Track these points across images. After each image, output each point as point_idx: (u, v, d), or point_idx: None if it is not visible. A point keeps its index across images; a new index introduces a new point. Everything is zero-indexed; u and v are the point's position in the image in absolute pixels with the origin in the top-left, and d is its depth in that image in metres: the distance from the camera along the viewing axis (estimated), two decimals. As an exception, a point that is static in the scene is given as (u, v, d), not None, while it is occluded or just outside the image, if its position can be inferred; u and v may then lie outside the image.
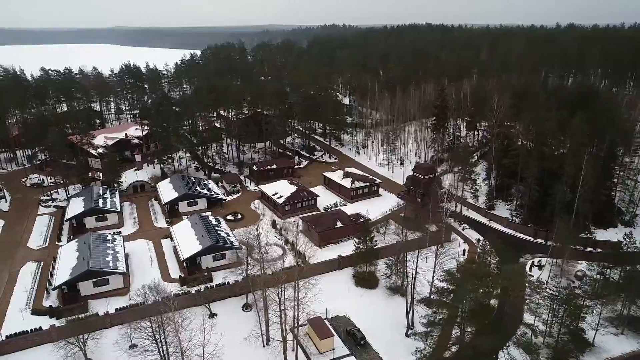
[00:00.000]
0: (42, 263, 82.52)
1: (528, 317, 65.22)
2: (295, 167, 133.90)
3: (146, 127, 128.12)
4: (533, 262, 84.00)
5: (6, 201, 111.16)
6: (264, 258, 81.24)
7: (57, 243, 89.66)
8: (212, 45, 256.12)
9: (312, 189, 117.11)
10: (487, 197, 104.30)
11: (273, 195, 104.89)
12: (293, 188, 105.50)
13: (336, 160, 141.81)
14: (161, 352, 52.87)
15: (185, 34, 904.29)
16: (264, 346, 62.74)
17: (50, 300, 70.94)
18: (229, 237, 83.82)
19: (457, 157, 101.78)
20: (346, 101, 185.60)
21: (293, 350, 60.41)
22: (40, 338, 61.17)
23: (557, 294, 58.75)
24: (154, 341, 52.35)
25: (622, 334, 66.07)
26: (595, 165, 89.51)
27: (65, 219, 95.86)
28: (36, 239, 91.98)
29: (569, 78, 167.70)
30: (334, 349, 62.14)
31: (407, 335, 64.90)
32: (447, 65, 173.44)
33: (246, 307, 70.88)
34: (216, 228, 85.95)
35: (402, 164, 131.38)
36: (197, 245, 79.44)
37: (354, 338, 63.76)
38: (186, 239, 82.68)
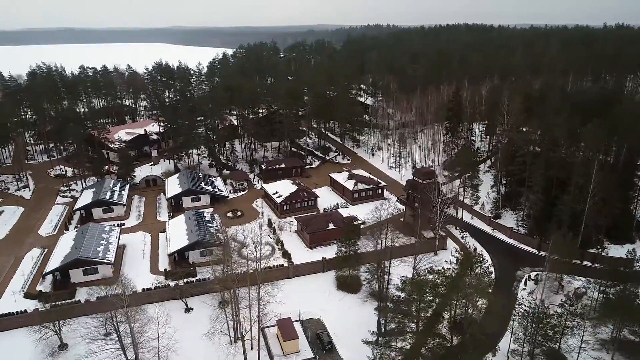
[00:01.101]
0: (45, 250, 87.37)
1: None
2: (307, 167, 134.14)
3: (162, 124, 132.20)
4: (529, 275, 79.43)
5: (29, 190, 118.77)
6: (252, 256, 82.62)
7: (64, 232, 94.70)
8: (244, 45, 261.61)
9: (318, 190, 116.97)
10: (493, 205, 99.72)
11: (273, 194, 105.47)
12: (294, 188, 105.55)
13: (349, 162, 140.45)
14: (122, 343, 54.52)
15: (238, 34, 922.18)
16: (231, 343, 63.27)
17: (44, 286, 75.03)
18: (218, 234, 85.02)
19: (458, 163, 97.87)
20: (369, 102, 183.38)
21: (257, 350, 60.56)
22: (23, 320, 64.71)
23: (529, 311, 55.15)
24: (115, 331, 54.09)
25: (612, 359, 61.17)
26: (608, 175, 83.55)
27: (74, 209, 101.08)
28: (47, 227, 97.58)
29: (601, 81, 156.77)
30: (298, 351, 61.63)
31: (376, 342, 63.28)
32: (471, 66, 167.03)
33: (223, 303, 71.67)
34: (208, 224, 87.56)
35: (414, 167, 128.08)
36: (185, 240, 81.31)
37: (320, 342, 62.97)
38: (177, 233, 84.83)
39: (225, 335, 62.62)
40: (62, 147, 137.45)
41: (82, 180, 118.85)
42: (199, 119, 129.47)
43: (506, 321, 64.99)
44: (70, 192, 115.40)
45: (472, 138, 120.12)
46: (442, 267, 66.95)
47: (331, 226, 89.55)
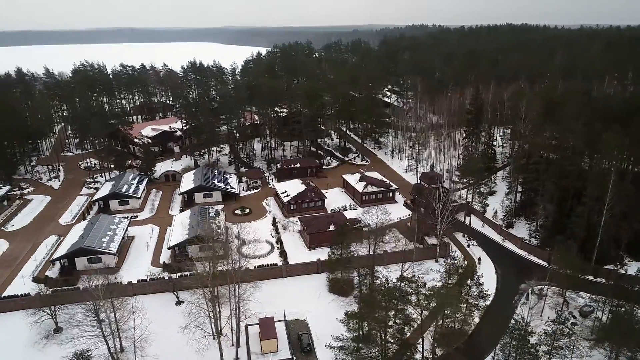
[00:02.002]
0: (61, 238, 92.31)
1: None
2: (324, 167, 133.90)
3: (184, 122, 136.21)
4: (533, 289, 75.27)
5: (59, 180, 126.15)
6: (249, 254, 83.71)
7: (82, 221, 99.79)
8: (279, 44, 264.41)
9: (330, 191, 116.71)
10: (506, 214, 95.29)
11: (282, 193, 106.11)
12: (302, 188, 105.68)
13: (367, 164, 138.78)
14: (102, 330, 56.77)
15: (286, 33, 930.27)
16: (214, 339, 64.23)
17: (52, 272, 79.46)
18: (219, 230, 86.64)
19: (466, 169, 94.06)
20: (396, 102, 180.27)
21: (239, 347, 61.51)
22: (26, 302, 68.78)
23: (512, 328, 52.29)
24: (96, 319, 56.46)
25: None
26: (629, 186, 77.68)
27: (92, 200, 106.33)
28: (67, 216, 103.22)
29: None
30: (276, 351, 61.69)
31: (341, 347, 62.08)
32: (500, 68, 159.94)
33: (213, 299, 72.93)
34: (211, 220, 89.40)
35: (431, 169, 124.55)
36: (185, 234, 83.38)
37: (300, 343, 62.74)
38: (180, 227, 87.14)
39: (202, 330, 63.29)
40: (91, 141, 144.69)
41: (108, 173, 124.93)
42: (221, 117, 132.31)
43: (498, 337, 62.03)
44: (94, 184, 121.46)
45: (493, 143, 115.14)
46: (420, 276, 64.72)
47: (332, 227, 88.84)
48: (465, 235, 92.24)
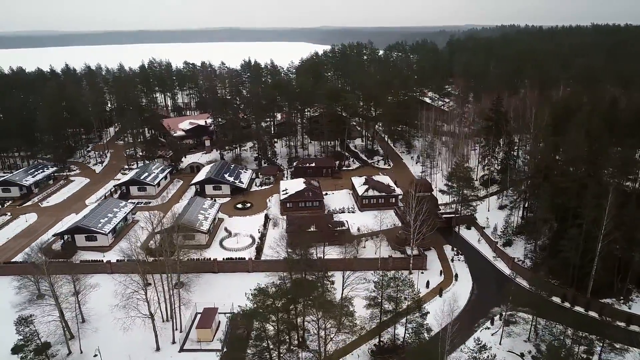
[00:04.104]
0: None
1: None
2: (344, 168, 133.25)
3: (212, 118, 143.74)
4: (502, 314, 68.74)
5: (102, 165, 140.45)
6: (228, 247, 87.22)
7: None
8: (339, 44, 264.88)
9: (338, 192, 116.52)
10: (504, 230, 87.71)
11: (283, 191, 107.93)
12: (302, 187, 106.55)
13: (389, 167, 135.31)
14: (58, 303, 63.47)
15: (373, 33, 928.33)
16: (163, 321, 68.36)
17: (57, 245, 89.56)
18: (205, 221, 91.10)
19: (458, 178, 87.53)
20: (441, 105, 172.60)
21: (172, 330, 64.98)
22: (20, 269, 78.44)
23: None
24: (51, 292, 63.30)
25: None
26: (634, 208, 67.70)
27: (116, 185, 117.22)
28: (93, 198, 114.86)
29: None
30: (210, 341, 63.89)
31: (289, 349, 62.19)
32: (544, 72, 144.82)
33: (179, 284, 77.25)
34: (201, 210, 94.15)
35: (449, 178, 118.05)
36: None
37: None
38: (171, 215, 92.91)
39: (137, 310, 66.31)
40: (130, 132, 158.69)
41: (143, 161, 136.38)
42: (245, 115, 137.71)
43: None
44: (128, 171, 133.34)
45: (513, 152, 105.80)
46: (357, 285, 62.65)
47: (313, 228, 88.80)
48: (454, 249, 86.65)
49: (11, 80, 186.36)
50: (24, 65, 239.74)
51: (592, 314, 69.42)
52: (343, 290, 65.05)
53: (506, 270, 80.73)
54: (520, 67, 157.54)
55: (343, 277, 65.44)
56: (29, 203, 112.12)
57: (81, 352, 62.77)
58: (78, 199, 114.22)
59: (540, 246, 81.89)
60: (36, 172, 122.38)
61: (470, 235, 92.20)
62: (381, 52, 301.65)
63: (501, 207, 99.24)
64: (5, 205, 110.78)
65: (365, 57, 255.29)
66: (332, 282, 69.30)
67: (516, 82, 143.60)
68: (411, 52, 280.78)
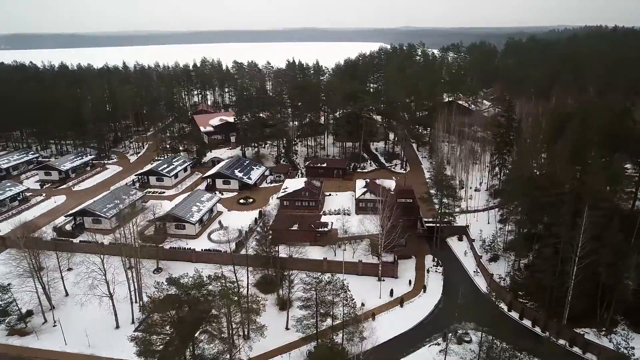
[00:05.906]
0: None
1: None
2: (358, 170, 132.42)
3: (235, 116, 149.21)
4: (456, 332, 65.32)
5: (137, 156, 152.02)
6: (215, 239, 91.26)
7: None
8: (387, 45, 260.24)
9: (342, 193, 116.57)
10: (490, 244, 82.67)
11: (283, 189, 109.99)
12: (301, 186, 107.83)
13: (404, 172, 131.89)
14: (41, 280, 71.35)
15: (455, 34, 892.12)
16: (132, 304, 73.67)
17: (69, 225, 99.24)
18: (197, 212, 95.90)
19: (437, 184, 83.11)
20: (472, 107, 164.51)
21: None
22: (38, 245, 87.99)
23: None
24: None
25: None
26: (616, 231, 60.99)
27: (137, 174, 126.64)
28: (118, 185, 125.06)
29: None
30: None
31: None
32: (586, 78, 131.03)
33: (156, 270, 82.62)
34: (197, 203, 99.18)
35: (461, 187, 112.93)
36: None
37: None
38: (171, 205, 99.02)
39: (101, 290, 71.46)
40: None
41: (171, 153, 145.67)
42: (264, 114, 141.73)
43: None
44: (157, 162, 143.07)
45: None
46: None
47: (295, 227, 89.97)
48: (435, 260, 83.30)
49: (77, 76, 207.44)
50: (94, 63, 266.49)
51: (562, 341, 63.80)
52: (289, 290, 65.88)
53: (483, 287, 76.21)
54: (558, 70, 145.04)
55: (289, 276, 65.92)
56: (64, 186, 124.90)
57: (54, 325, 69.63)
58: (105, 186, 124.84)
59: (526, 264, 76.34)
60: (75, 159, 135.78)
61: (458, 247, 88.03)
62: (436, 52, 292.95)
63: (502, 220, 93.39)
64: (44, 187, 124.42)
65: (418, 58, 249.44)
66: (292, 282, 70.67)
67: (550, 87, 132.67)
68: (467, 54, 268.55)
